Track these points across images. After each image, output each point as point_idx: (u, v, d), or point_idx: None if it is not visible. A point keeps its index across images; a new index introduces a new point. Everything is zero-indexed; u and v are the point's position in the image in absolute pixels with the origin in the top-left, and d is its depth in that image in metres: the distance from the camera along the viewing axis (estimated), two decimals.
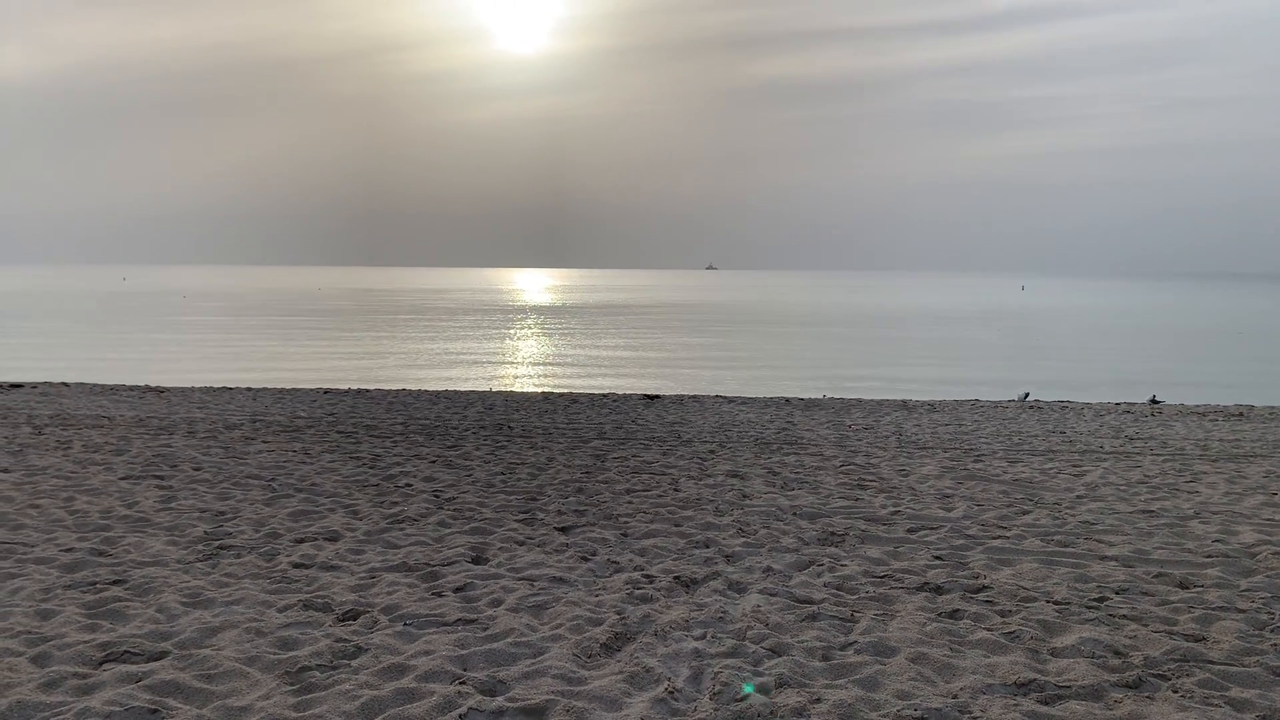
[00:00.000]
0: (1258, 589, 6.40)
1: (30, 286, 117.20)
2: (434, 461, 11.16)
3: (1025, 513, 8.72)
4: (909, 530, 8.02)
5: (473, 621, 5.64)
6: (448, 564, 6.87)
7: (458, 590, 6.26)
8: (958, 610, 5.89)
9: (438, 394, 19.58)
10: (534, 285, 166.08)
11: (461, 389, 21.95)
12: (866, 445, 12.94)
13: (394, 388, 21.80)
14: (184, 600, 5.97)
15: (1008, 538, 7.76)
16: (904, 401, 19.35)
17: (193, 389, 19.99)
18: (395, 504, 8.85)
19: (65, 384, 20.88)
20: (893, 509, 8.80)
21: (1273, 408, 18.91)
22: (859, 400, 19.73)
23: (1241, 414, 17.62)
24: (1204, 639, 5.43)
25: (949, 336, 47.68)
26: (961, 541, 7.62)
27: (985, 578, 6.59)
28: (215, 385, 21.39)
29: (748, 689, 4.57)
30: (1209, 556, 7.25)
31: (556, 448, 12.32)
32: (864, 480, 10.28)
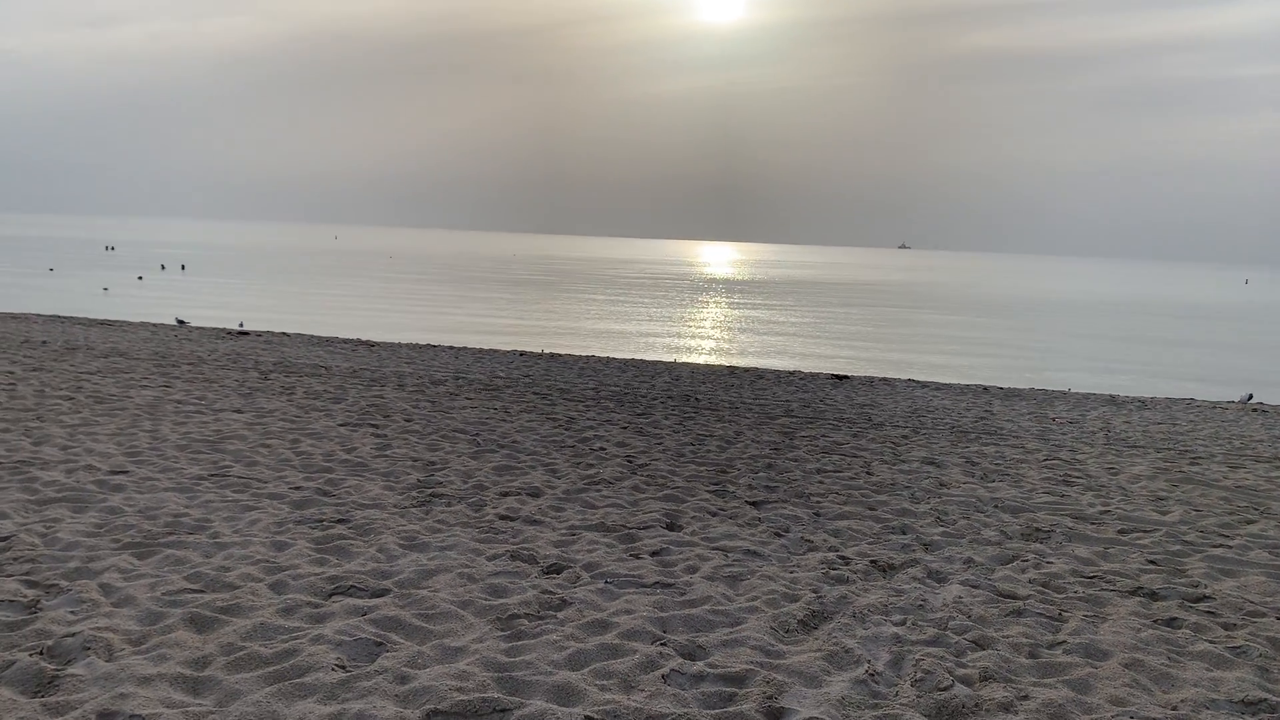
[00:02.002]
0: None
1: (255, 242, 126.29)
2: (625, 428, 11.40)
3: (1250, 522, 8.14)
4: (1120, 531, 7.63)
5: (670, 586, 5.76)
6: (643, 528, 7.03)
7: (654, 554, 6.40)
8: (1176, 619, 5.57)
9: (626, 362, 19.95)
10: (720, 259, 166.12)
11: (649, 359, 22.28)
12: (1071, 440, 12.37)
13: (584, 353, 22.35)
14: (401, 542, 6.35)
15: (1230, 547, 7.26)
16: (1112, 396, 18.36)
17: (400, 345, 21.11)
18: (591, 466, 9.10)
19: (286, 334, 22.44)
20: (1102, 508, 8.39)
21: None
22: (1063, 392, 18.84)
23: None
24: None
25: (1159, 330, 44.74)
26: (1178, 547, 7.19)
27: (1206, 587, 6.20)
28: (420, 342, 22.50)
29: None
30: None
31: (744, 422, 12.35)
32: (1069, 476, 9.83)
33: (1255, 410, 17.23)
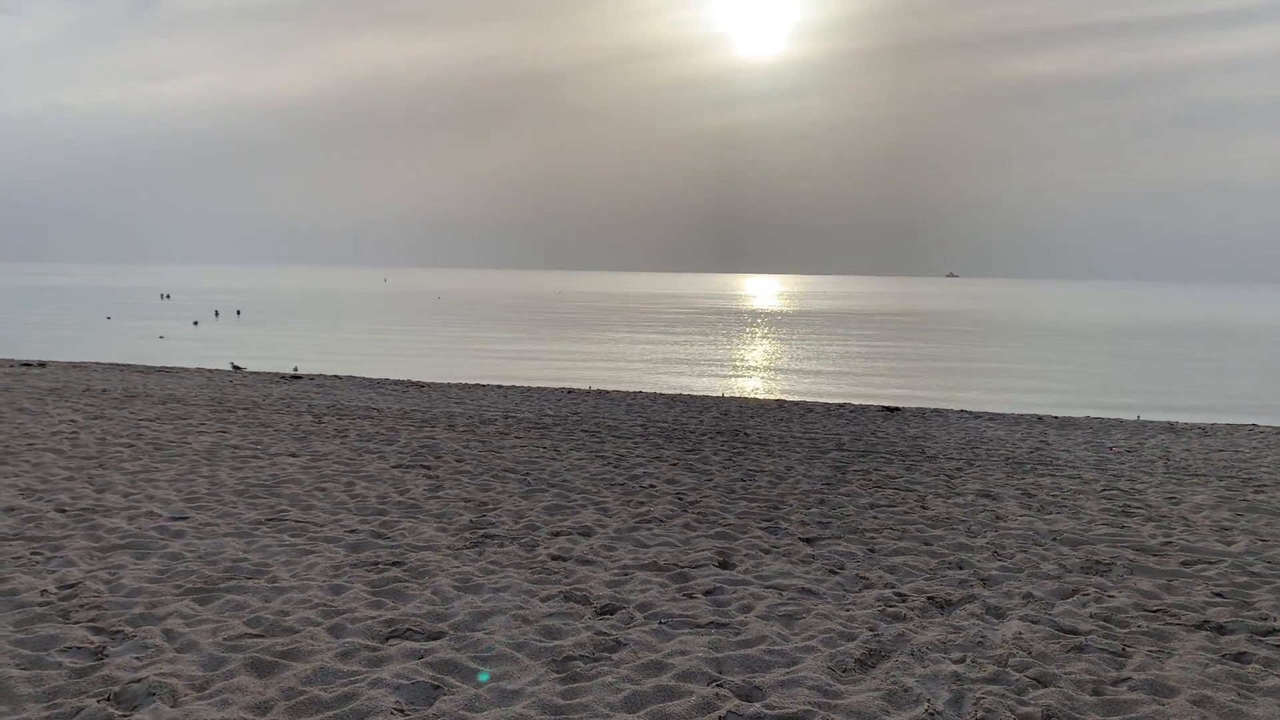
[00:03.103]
0: None
1: (307, 286, 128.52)
2: (674, 464, 11.39)
3: None
4: (1183, 563, 7.46)
5: (725, 625, 5.74)
6: (696, 566, 7.01)
7: (708, 593, 6.38)
8: (1245, 653, 5.44)
9: (673, 398, 19.95)
10: (766, 291, 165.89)
11: (696, 394, 22.26)
12: (1130, 469, 12.14)
13: (632, 389, 22.40)
14: (456, 584, 6.39)
15: None
16: (1170, 424, 17.99)
17: (449, 385, 21.31)
18: (641, 504, 9.10)
19: (338, 376, 22.78)
20: (1164, 539, 8.22)
21: None
22: (1120, 420, 18.51)
23: None
24: None
25: (1221, 353, 43.82)
26: (1245, 579, 7.02)
27: (1276, 620, 6.04)
28: (469, 382, 22.71)
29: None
30: None
31: (794, 457, 12.29)
32: (1129, 507, 9.65)
33: None
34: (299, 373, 23.12)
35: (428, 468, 10.68)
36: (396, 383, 21.54)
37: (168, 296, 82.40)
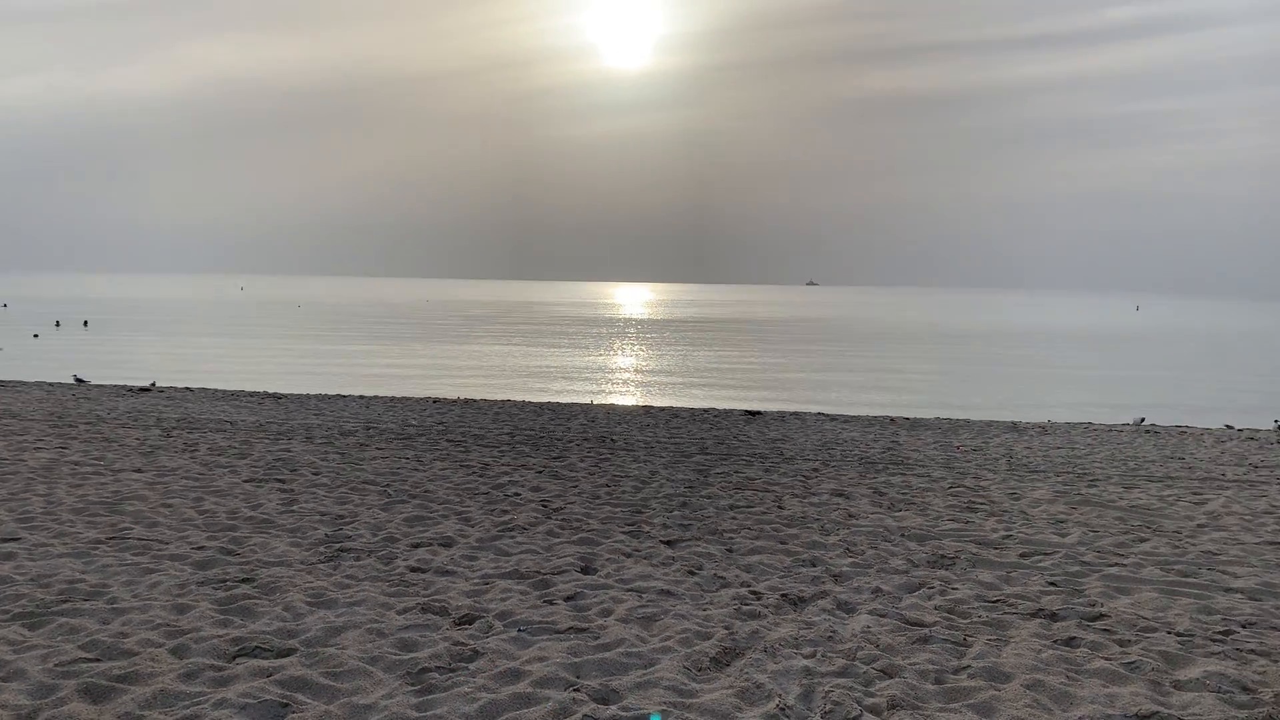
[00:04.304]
0: None
1: (159, 295, 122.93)
2: (540, 472, 11.36)
3: (1143, 540, 8.47)
4: (1021, 555, 7.86)
5: (584, 630, 5.75)
6: (558, 573, 7.01)
7: (568, 599, 6.38)
8: (1074, 638, 5.76)
9: (542, 405, 19.89)
10: (635, 300, 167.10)
11: (564, 401, 22.25)
12: (975, 467, 12.71)
13: (500, 398, 22.22)
14: (309, 600, 6.22)
15: (1125, 566, 7.55)
16: (1014, 423, 18.92)
17: (308, 396, 20.72)
18: (505, 512, 9.05)
19: (190, 389, 21.86)
20: (1004, 533, 8.64)
21: None
22: (967, 420, 19.36)
23: None
24: None
25: (1057, 356, 46.32)
26: (1077, 568, 7.44)
27: (1102, 606, 6.43)
28: (329, 393, 22.12)
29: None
30: None
31: (659, 461, 12.42)
32: (974, 503, 10.10)
33: (1148, 432, 17.93)
34: (153, 386, 22.07)
35: (282, 481, 10.36)
36: (252, 394, 20.81)
37: (4, 305, 77.53)
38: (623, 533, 8.31)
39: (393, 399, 20.65)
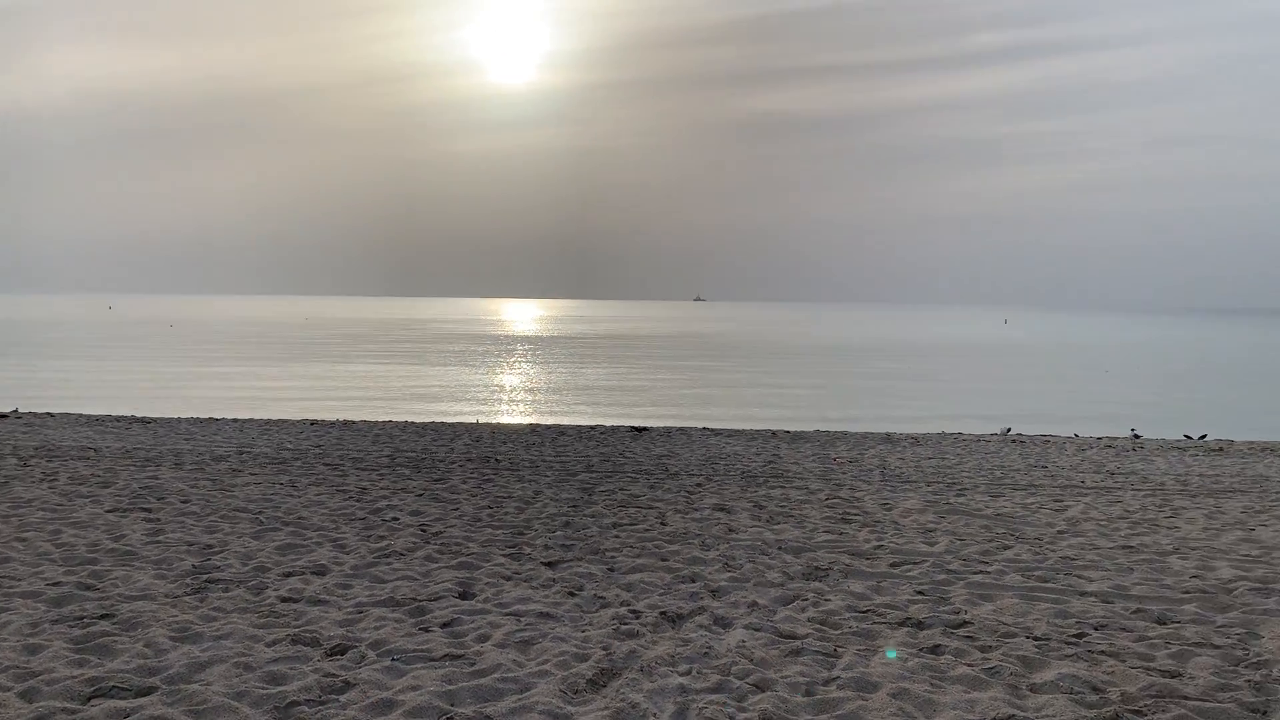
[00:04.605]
0: (1233, 625, 6.50)
1: (16, 315, 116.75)
2: (420, 495, 11.20)
3: (1007, 548, 8.82)
4: (892, 565, 8.10)
5: (459, 657, 5.69)
6: (435, 599, 6.92)
7: (445, 625, 6.31)
8: (939, 646, 5.97)
9: (424, 426, 19.61)
10: (522, 316, 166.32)
11: (449, 421, 21.98)
12: (851, 479, 13.04)
13: (381, 419, 21.82)
14: (172, 635, 5.99)
15: (989, 573, 7.85)
16: (888, 435, 19.48)
17: (179, 420, 19.97)
18: (382, 538, 8.88)
19: (50, 414, 20.82)
20: (876, 543, 8.89)
21: (1252, 442, 19.12)
22: (844, 433, 19.85)
23: (1221, 449, 17.81)
24: (1180, 675, 5.52)
25: (931, 369, 47.93)
26: (943, 576, 7.71)
27: (966, 613, 6.67)
28: (201, 416, 21.36)
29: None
30: (1186, 592, 7.36)
31: (544, 481, 12.38)
32: (848, 514, 10.37)
33: (1014, 441, 18.69)
34: (14, 412, 20.92)
35: (148, 510, 9.95)
36: (118, 419, 19.94)
37: None
38: (503, 555, 8.25)
39: (268, 422, 20.06)
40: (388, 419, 22.01)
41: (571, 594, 7.07)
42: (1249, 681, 5.42)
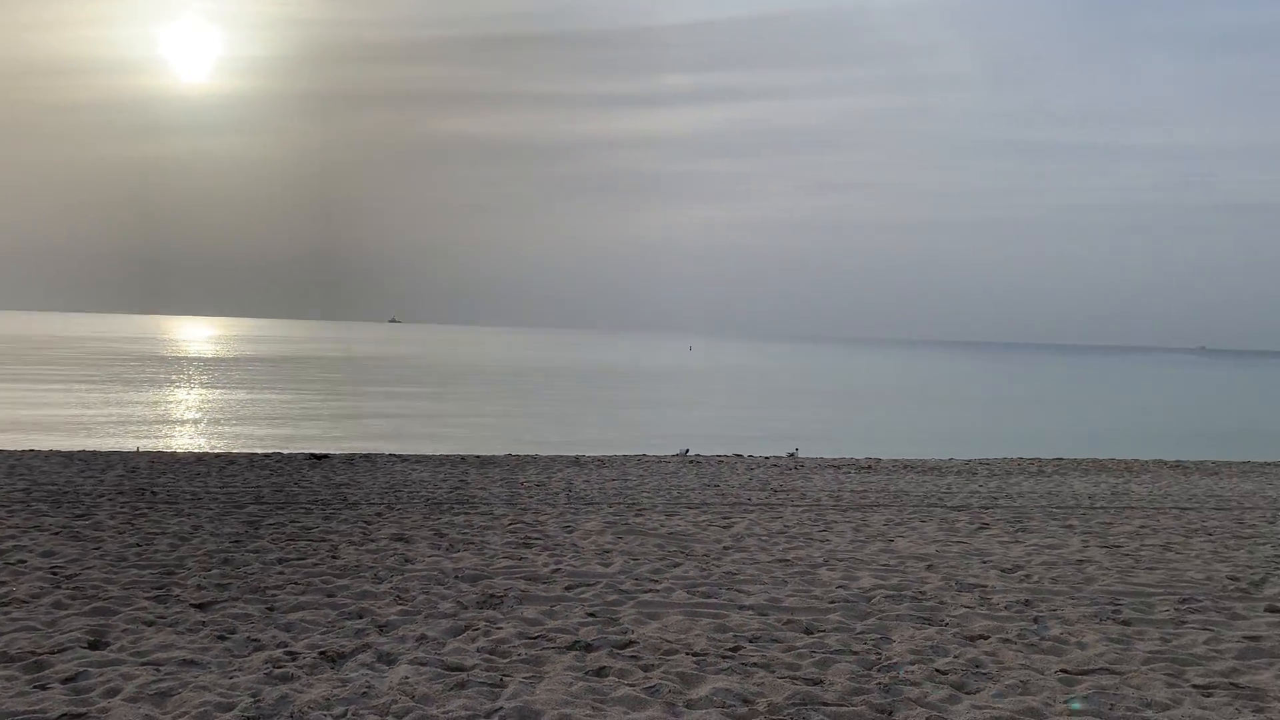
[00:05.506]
0: (870, 631, 7.08)
1: None
2: (57, 534, 10.01)
3: (677, 565, 9.15)
4: (567, 588, 8.16)
5: (80, 716, 5.07)
6: (59, 651, 6.15)
7: (67, 681, 5.61)
8: (604, 667, 6.04)
9: (71, 455, 17.65)
10: (196, 335, 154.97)
11: (102, 449, 19.93)
12: (537, 502, 13.09)
13: (19, 448, 19.40)
14: None
15: (658, 591, 8.10)
16: (576, 458, 19.80)
17: None
18: (3, 584, 7.82)
19: None
20: (554, 567, 8.93)
21: (896, 460, 21.17)
22: (534, 456, 19.95)
23: (870, 466, 19.57)
24: (821, 682, 5.91)
25: (620, 393, 49.55)
26: (615, 597, 7.86)
27: (633, 633, 6.82)
28: None
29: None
30: (833, 602, 7.94)
31: (205, 514, 11.46)
32: (529, 538, 10.37)
33: (692, 462, 19.58)
34: None
35: None
36: None
37: None
38: (147, 598, 7.50)
39: None
40: (29, 448, 19.62)
41: (222, 638, 6.53)
42: (879, 684, 5.90)
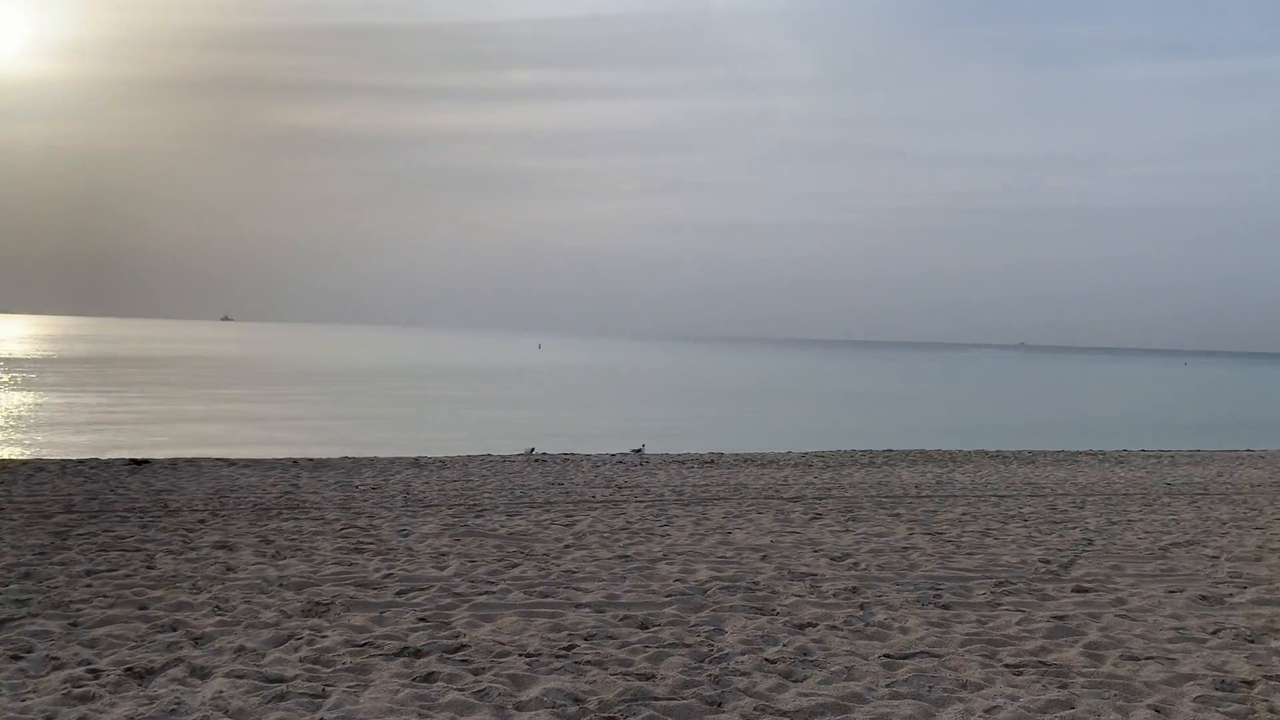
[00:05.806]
0: (704, 624, 7.15)
1: None
2: None
3: (515, 566, 9.03)
4: (398, 593, 7.93)
5: None
6: None
7: None
8: (433, 673, 5.89)
9: None
10: (10, 333, 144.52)
11: None
12: (372, 505, 12.72)
13: None
14: None
15: (494, 593, 7.96)
16: (416, 459, 19.37)
17: None
18: None
19: None
20: (386, 572, 8.67)
21: (738, 454, 21.59)
22: (372, 458, 19.40)
23: (713, 460, 19.89)
24: (653, 676, 5.92)
25: (464, 392, 48.91)
26: (449, 600, 7.68)
27: (465, 636, 6.67)
28: None
29: None
30: (669, 596, 7.99)
31: (5, 526, 10.65)
32: (362, 543, 10.04)
33: (538, 460, 19.45)
34: None
35: None
36: None
37: None
38: None
39: None
40: None
41: (16, 657, 6.05)
42: (710, 676, 5.95)
